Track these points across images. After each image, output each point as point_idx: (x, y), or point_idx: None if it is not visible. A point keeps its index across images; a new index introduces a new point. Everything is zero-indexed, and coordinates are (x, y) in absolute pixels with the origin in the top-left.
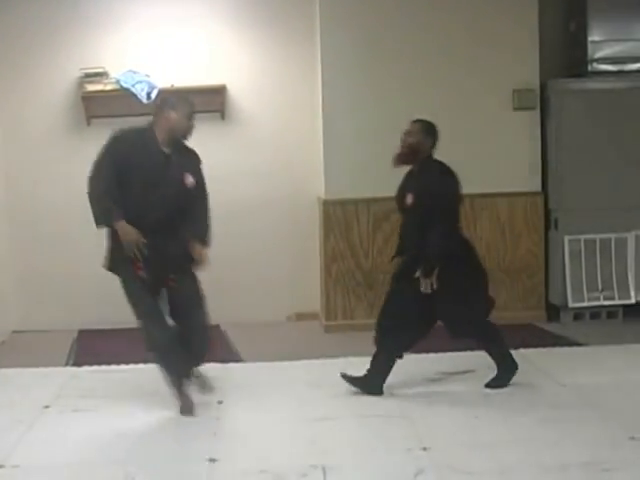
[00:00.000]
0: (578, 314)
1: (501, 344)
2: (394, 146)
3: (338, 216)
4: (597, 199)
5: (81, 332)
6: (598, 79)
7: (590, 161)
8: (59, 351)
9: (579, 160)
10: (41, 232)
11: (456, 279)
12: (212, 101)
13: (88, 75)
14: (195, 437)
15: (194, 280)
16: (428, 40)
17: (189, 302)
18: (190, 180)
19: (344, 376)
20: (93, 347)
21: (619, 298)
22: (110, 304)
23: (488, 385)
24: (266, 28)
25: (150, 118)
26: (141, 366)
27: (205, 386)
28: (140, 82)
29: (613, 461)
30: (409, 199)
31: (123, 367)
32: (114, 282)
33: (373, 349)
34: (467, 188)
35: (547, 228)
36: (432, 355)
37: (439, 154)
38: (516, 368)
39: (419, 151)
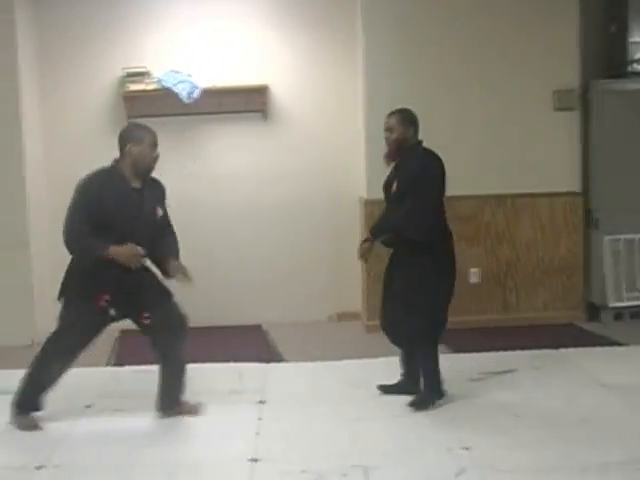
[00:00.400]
0: (618, 314)
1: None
2: (436, 146)
3: None
4: (637, 199)
5: (123, 332)
6: (638, 80)
7: (630, 161)
8: (100, 351)
9: (619, 160)
10: None
11: (423, 271)
12: (254, 101)
13: (130, 75)
14: (237, 437)
15: (168, 313)
16: (470, 41)
17: (165, 339)
18: (160, 212)
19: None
20: (135, 347)
21: None
22: None
23: (412, 404)
24: (308, 28)
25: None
26: None
27: (192, 409)
28: (182, 82)
29: None
30: (394, 187)
31: None
32: None
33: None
34: (508, 188)
35: (586, 228)
36: (474, 355)
37: (483, 154)
38: (443, 395)
39: (405, 143)
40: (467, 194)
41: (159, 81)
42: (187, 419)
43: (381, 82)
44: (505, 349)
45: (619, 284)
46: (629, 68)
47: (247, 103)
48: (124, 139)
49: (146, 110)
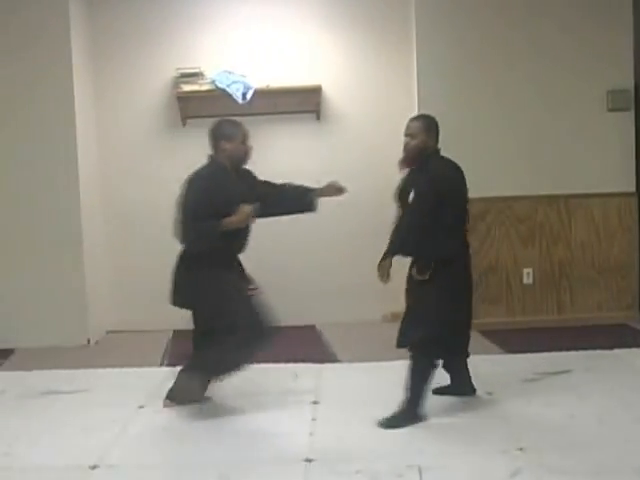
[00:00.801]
0: None
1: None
2: (487, 148)
3: None
4: None
5: (176, 332)
6: None
7: None
8: (154, 351)
9: None
10: (137, 232)
11: (439, 286)
12: (307, 101)
13: (184, 75)
14: (291, 437)
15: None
16: (522, 42)
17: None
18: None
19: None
20: (188, 347)
21: None
22: None
23: (382, 424)
24: (362, 29)
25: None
26: None
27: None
28: (236, 82)
29: None
30: (411, 197)
31: None
32: None
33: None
34: (562, 189)
35: None
36: (529, 355)
37: (536, 155)
38: (421, 420)
39: (425, 150)
40: (521, 194)
41: (213, 81)
42: (239, 419)
43: (433, 84)
44: (559, 349)
45: None
46: None
47: (301, 103)
48: (216, 136)
49: (200, 111)
